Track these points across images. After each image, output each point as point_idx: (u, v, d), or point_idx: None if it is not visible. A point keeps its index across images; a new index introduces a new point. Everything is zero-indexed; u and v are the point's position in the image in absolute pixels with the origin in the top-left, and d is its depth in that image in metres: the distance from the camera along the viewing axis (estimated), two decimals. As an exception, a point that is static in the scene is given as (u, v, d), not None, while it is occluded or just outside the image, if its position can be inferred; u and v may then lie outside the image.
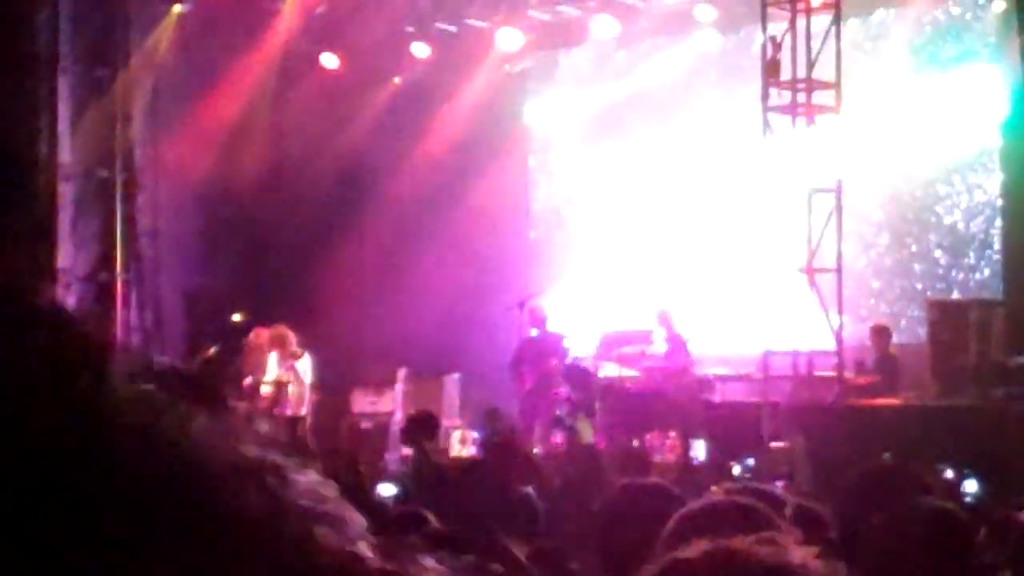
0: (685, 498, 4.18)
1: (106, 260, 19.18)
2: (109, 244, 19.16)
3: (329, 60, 20.18)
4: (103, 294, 19.11)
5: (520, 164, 20.73)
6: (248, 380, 16.45)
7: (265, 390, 16.44)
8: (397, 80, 20.70)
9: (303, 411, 16.58)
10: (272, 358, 16.51)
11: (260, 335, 16.83)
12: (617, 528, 4.01)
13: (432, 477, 10.75)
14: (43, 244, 18.37)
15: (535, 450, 15.07)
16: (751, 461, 11.55)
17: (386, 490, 10.47)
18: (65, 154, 18.61)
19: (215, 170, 19.24)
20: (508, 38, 19.86)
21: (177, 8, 19.43)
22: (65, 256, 18.69)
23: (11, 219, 16.84)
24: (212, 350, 17.00)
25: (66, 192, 18.66)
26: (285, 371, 16.41)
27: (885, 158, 17.54)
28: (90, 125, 18.91)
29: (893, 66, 17.61)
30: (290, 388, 16.40)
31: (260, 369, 16.57)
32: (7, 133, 17.59)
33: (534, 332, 16.90)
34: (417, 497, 8.88)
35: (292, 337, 16.49)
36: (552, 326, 17.09)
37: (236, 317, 17.58)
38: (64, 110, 18.62)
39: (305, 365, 16.48)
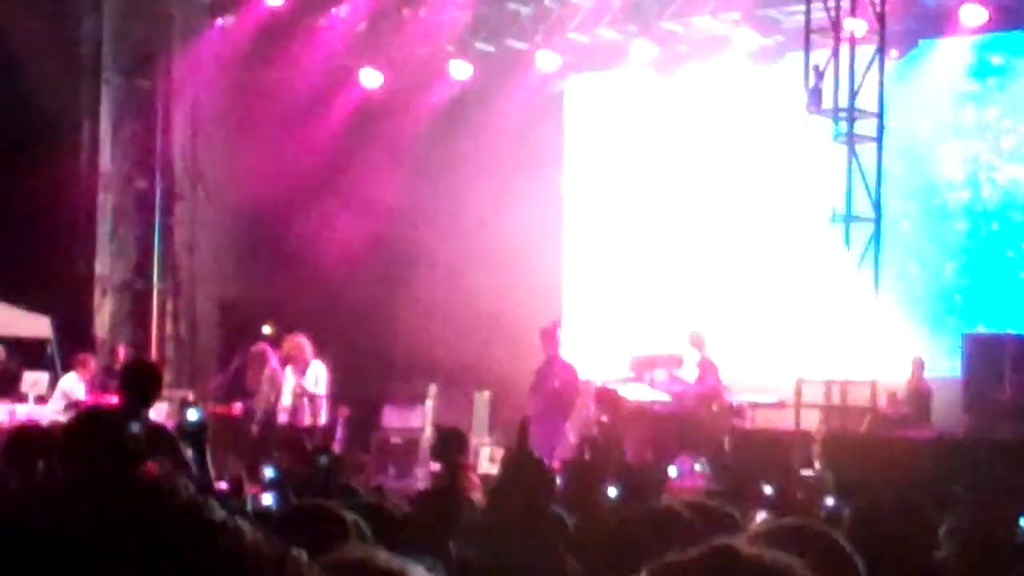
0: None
1: (143, 269, 19.34)
2: (146, 253, 19.31)
3: (369, 77, 20.28)
4: (139, 303, 19.26)
5: (554, 185, 20.77)
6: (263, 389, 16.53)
7: (286, 402, 16.44)
8: (436, 99, 20.77)
9: (321, 421, 16.57)
10: (288, 370, 16.47)
11: (262, 346, 16.88)
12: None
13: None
14: (82, 251, 18.55)
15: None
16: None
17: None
18: (106, 163, 18.79)
19: (252, 183, 19.36)
20: (547, 60, 19.95)
21: (219, 21, 19.57)
22: (103, 264, 18.85)
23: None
24: (268, 328, 17.07)
25: (106, 201, 18.83)
26: (302, 382, 16.39)
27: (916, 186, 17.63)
28: (131, 135, 19.08)
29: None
30: (306, 399, 16.39)
31: (264, 380, 16.61)
32: (50, 141, 17.76)
33: (546, 357, 16.87)
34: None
35: (307, 348, 16.42)
36: (564, 352, 17.03)
37: (266, 329, 17.62)
38: (106, 120, 18.81)
39: (320, 375, 16.45)
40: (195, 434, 8.17)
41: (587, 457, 15.35)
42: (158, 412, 17.31)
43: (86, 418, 6.39)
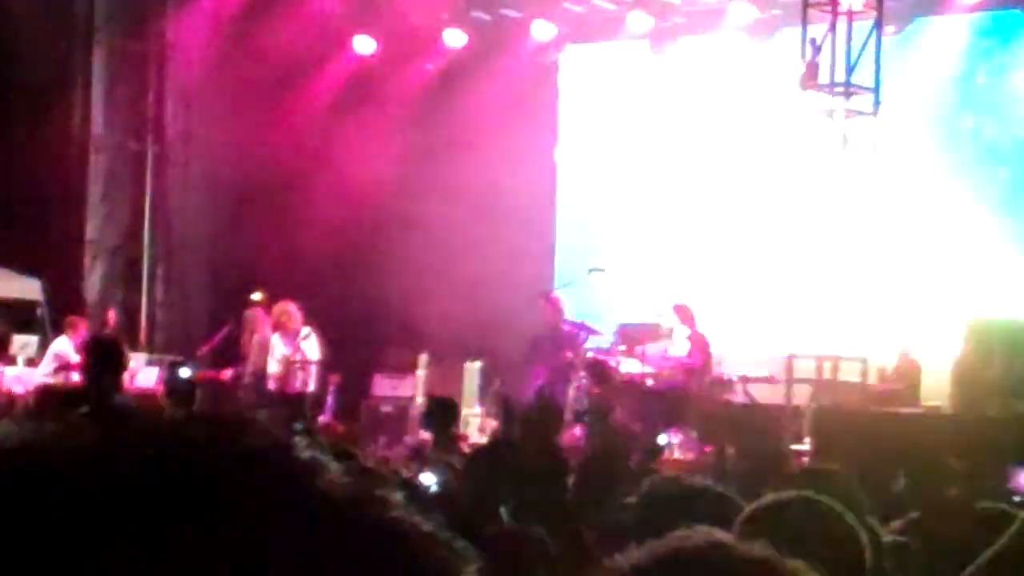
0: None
1: (134, 233, 19.28)
2: (137, 217, 19.26)
3: (362, 44, 20.20)
4: (129, 266, 19.21)
5: (548, 156, 20.74)
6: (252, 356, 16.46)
7: (273, 368, 16.38)
8: (430, 67, 20.71)
9: (310, 388, 16.54)
10: (276, 337, 16.40)
11: (257, 311, 16.83)
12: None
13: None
14: (73, 214, 18.48)
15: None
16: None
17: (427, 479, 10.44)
18: (98, 125, 18.71)
19: (244, 147, 19.29)
20: (542, 30, 19.89)
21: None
22: (94, 227, 18.79)
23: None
24: (258, 294, 17.01)
25: (97, 163, 18.75)
26: (292, 349, 16.33)
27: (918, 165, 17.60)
28: (123, 98, 19.00)
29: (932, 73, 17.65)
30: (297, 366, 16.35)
31: (255, 345, 16.55)
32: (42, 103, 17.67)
33: (550, 325, 16.83)
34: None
35: (296, 315, 16.35)
36: (570, 320, 17.03)
37: (256, 296, 17.60)
38: (98, 82, 18.72)
39: (311, 342, 16.40)
40: (185, 392, 8.16)
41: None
42: (148, 376, 17.37)
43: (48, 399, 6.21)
